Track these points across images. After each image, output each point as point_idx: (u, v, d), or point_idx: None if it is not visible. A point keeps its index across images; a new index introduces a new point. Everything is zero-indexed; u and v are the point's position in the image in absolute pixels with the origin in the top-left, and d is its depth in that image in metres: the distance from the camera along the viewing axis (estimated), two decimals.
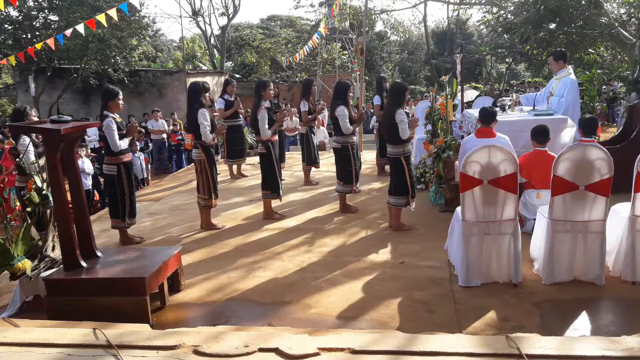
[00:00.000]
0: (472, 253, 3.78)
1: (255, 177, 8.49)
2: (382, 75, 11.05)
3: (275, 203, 6.05)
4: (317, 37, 15.98)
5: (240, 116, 8.33)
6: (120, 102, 5.04)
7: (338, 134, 5.90)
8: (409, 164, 5.16)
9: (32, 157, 4.87)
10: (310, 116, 7.52)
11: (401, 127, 5.01)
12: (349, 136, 5.88)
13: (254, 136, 11.98)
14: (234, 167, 8.55)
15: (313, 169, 7.88)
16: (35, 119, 5.27)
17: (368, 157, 9.47)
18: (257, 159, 10.22)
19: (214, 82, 19.78)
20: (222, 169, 8.61)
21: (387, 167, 8.33)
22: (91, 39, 15.17)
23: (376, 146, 8.30)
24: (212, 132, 5.34)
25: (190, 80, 20.06)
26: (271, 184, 5.80)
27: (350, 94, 6.00)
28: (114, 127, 4.89)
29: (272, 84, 6.16)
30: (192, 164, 12.00)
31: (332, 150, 6.44)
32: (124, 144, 4.98)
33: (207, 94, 5.71)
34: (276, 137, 5.90)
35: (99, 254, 3.91)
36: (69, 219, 3.69)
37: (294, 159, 9.71)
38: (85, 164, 9.20)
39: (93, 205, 9.39)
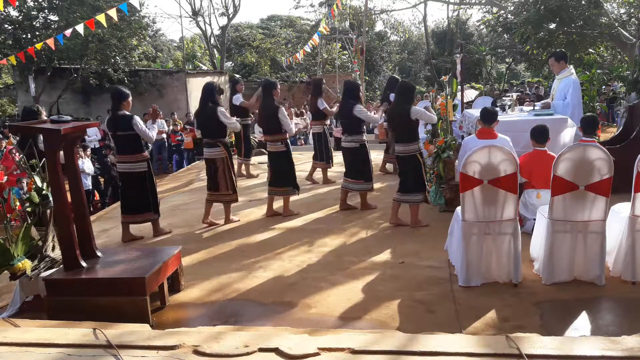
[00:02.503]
0: (472, 253, 3.78)
1: (255, 177, 8.49)
2: (394, 75, 11.09)
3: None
4: (317, 37, 15.97)
5: (252, 115, 8.36)
6: (131, 102, 5.20)
7: (354, 133, 5.93)
8: (423, 161, 5.31)
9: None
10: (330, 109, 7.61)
11: (427, 116, 5.28)
12: (364, 134, 6.02)
13: (255, 136, 12.02)
14: (243, 166, 8.52)
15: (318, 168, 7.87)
16: (45, 118, 5.29)
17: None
18: (258, 158, 10.24)
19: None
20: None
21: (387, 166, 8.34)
22: (91, 39, 15.16)
23: (392, 142, 8.27)
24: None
25: (191, 80, 20.09)
26: (292, 180, 5.89)
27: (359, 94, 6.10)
28: (142, 122, 5.11)
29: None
30: (193, 163, 12.00)
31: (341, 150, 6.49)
32: (154, 132, 5.26)
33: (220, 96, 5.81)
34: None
35: (99, 254, 3.91)
36: (69, 219, 3.69)
37: (295, 159, 9.69)
38: (85, 164, 9.20)
39: (93, 205, 9.40)
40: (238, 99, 7.97)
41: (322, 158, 7.69)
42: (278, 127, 5.77)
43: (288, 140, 5.90)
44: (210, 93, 5.49)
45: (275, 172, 5.92)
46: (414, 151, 5.22)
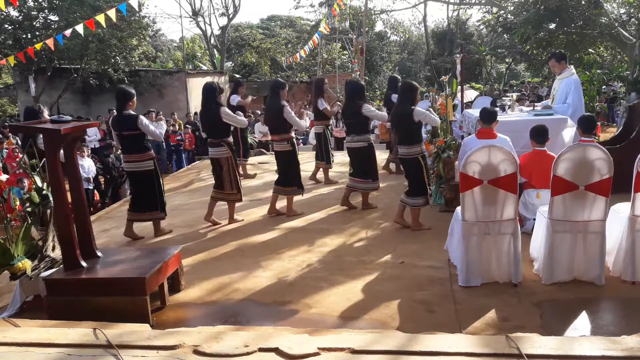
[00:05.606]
0: (472, 253, 3.78)
1: (255, 177, 8.50)
2: (394, 75, 11.06)
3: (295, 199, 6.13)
4: (317, 37, 15.96)
5: (247, 115, 8.38)
6: (135, 102, 5.27)
7: (362, 133, 5.92)
8: (425, 163, 5.21)
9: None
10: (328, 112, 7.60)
11: (430, 118, 5.25)
12: (370, 134, 6.03)
13: (254, 136, 12.02)
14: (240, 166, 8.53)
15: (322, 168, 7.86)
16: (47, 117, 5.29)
17: None
18: (257, 158, 10.24)
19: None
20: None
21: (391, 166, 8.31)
22: (91, 39, 15.17)
23: (394, 143, 8.21)
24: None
25: (191, 80, 20.06)
26: (297, 180, 5.92)
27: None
28: (148, 120, 5.20)
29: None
30: (193, 164, 12.00)
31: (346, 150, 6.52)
32: (162, 130, 5.37)
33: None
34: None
35: (99, 254, 3.91)
36: (69, 219, 3.69)
37: (299, 158, 9.67)
38: (86, 164, 9.18)
39: (93, 205, 9.39)
40: (235, 99, 8.01)
41: (323, 158, 7.69)
42: (283, 126, 5.80)
43: (294, 140, 5.96)
44: (212, 94, 5.53)
45: (281, 171, 5.97)
46: (415, 154, 5.13)
